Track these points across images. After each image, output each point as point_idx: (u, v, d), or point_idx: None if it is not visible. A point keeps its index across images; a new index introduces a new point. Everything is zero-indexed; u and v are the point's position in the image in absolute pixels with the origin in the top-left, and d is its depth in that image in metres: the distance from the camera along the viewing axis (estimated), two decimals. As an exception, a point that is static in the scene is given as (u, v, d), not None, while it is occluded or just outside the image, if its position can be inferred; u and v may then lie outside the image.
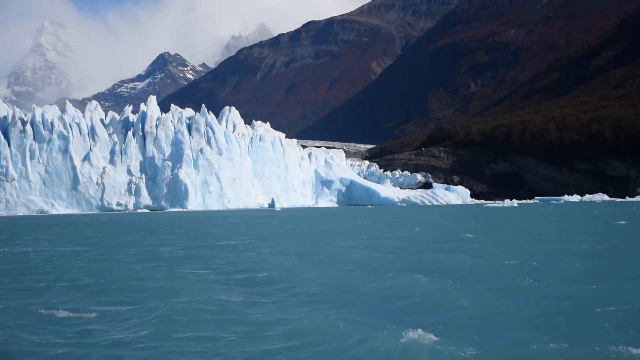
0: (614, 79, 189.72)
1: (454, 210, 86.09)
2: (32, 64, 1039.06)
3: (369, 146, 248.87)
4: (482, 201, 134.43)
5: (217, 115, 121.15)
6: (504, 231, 37.54)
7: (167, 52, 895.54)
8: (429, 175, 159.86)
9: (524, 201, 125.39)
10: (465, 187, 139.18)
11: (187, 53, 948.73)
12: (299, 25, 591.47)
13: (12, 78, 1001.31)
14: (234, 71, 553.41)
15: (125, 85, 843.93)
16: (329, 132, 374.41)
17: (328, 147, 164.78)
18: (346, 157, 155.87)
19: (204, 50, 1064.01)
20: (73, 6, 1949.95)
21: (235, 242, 31.98)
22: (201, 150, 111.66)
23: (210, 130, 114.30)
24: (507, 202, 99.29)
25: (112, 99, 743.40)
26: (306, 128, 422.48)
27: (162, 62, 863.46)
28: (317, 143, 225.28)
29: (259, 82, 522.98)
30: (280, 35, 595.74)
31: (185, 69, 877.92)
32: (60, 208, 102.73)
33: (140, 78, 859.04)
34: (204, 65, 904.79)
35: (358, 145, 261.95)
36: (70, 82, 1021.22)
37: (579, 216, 58.44)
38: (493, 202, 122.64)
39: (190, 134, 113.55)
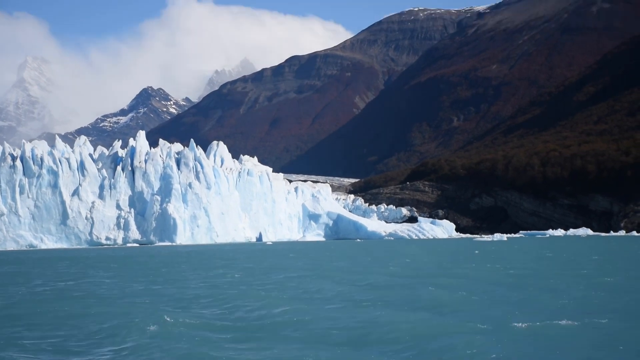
0: (595, 114, 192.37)
1: (452, 245, 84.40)
2: (15, 99, 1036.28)
3: (352, 180, 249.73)
4: (468, 235, 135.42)
5: (203, 149, 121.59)
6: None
7: (150, 87, 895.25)
8: (414, 209, 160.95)
9: (510, 235, 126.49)
10: (450, 221, 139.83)
11: (170, 88, 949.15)
12: (282, 60, 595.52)
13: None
14: (217, 105, 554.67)
15: (108, 119, 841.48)
16: (313, 166, 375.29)
17: (313, 181, 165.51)
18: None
19: (187, 84, 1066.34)
20: (56, 42, 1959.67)
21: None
22: (190, 185, 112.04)
23: (199, 165, 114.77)
24: (497, 236, 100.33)
25: (95, 133, 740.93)
26: (289, 162, 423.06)
27: (145, 97, 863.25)
28: (302, 177, 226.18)
29: (242, 117, 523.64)
30: (263, 69, 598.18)
31: (169, 103, 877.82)
32: (49, 242, 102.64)
33: (123, 112, 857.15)
34: (187, 99, 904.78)
35: (342, 180, 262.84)
36: (53, 117, 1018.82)
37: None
38: (480, 236, 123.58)
39: (179, 169, 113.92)
